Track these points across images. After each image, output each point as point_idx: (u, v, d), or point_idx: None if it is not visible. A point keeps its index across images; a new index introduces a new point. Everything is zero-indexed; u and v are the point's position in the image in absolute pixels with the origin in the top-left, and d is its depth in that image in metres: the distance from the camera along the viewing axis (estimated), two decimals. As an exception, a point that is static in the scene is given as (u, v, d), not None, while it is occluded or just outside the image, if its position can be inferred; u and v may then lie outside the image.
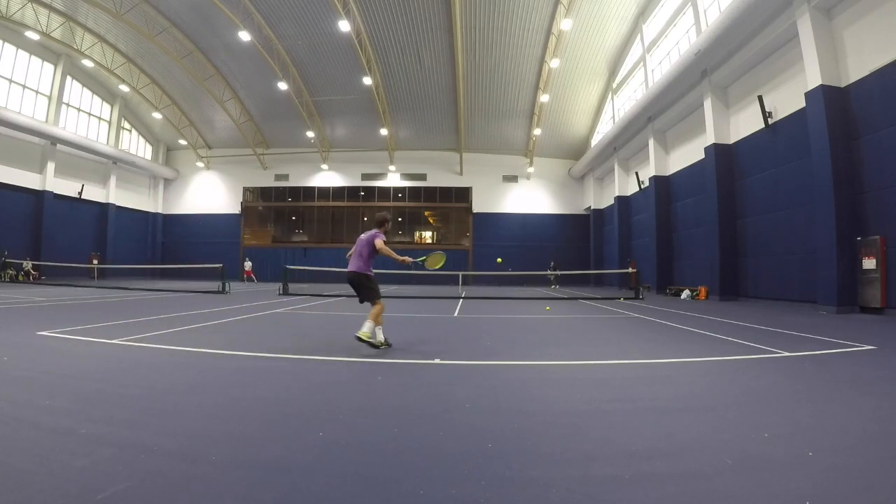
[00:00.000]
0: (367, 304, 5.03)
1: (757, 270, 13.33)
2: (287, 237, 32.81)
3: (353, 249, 5.17)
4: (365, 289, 5.06)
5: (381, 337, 4.84)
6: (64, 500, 1.52)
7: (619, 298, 14.00)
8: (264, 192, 31.90)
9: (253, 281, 26.69)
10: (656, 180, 18.85)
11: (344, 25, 18.97)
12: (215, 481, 1.69)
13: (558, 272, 22.25)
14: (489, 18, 19.89)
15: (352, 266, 5.08)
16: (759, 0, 11.00)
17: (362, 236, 5.15)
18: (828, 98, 10.00)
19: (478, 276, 27.49)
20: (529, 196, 30.51)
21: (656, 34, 18.58)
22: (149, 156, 30.85)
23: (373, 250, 5.01)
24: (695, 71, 14.50)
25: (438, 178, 30.62)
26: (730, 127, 14.58)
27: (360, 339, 4.64)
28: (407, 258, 5.21)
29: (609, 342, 5.66)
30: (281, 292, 14.21)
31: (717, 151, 14.41)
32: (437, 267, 5.72)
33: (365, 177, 31.03)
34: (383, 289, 21.13)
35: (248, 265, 27.51)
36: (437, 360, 4.18)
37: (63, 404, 2.62)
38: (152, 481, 1.67)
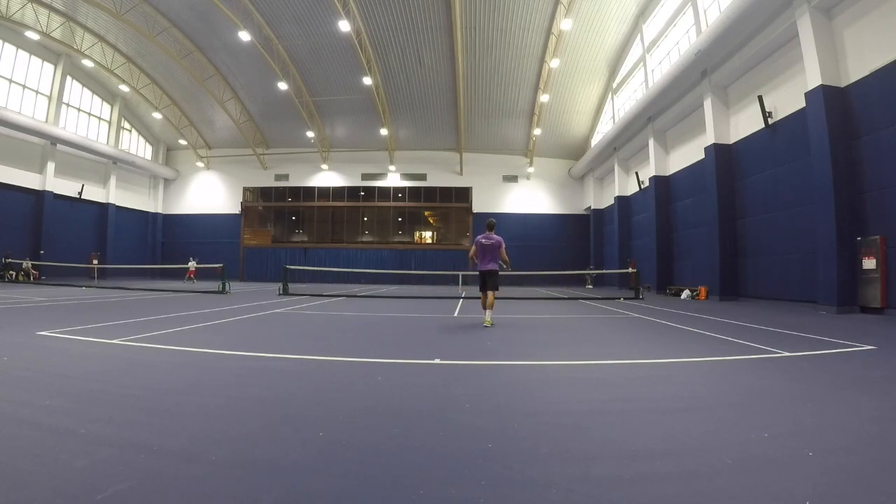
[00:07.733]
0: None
1: (757, 270, 13.32)
2: (287, 237, 32.81)
3: (473, 250, 6.97)
4: (496, 279, 6.95)
5: (488, 318, 6.69)
6: (64, 500, 1.51)
7: (619, 298, 13.99)
8: (264, 192, 31.90)
9: (192, 281, 21.82)
10: (656, 180, 18.85)
11: (344, 25, 18.98)
12: (215, 481, 1.68)
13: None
14: (489, 18, 19.89)
15: (489, 265, 6.86)
16: (759, 0, 11.01)
17: (486, 242, 6.80)
18: (828, 98, 10.00)
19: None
20: (529, 196, 30.51)
21: (656, 34, 18.58)
22: (149, 156, 30.86)
23: (499, 253, 6.87)
24: (695, 71, 14.50)
25: (438, 178, 30.61)
26: (730, 127, 14.58)
27: (486, 326, 6.46)
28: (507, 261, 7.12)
29: (609, 342, 5.65)
30: (281, 292, 14.21)
31: (717, 151, 14.41)
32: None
33: (365, 177, 31.02)
34: (384, 288, 21.20)
35: (192, 264, 21.98)
36: (437, 360, 4.17)
37: (63, 404, 2.62)
38: (152, 481, 1.66)
